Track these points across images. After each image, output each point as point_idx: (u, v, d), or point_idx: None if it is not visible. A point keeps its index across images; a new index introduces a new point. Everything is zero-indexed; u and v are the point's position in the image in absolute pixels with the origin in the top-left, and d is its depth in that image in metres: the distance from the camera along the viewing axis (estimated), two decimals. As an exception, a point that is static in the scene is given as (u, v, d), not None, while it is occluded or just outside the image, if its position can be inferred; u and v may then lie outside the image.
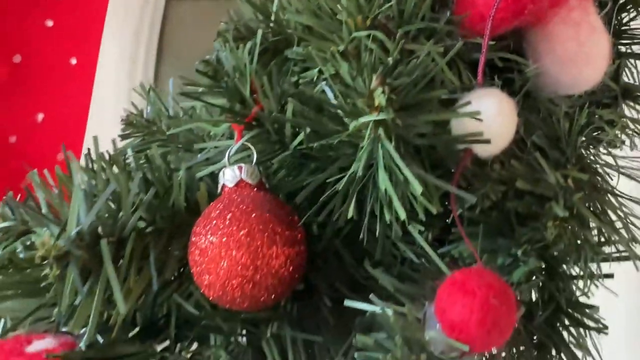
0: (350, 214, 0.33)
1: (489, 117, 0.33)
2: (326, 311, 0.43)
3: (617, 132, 0.47)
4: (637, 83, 0.51)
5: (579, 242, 0.38)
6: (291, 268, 0.36)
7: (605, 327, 0.44)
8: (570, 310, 0.43)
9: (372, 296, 0.36)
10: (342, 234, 0.46)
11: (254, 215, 0.35)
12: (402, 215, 0.31)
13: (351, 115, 0.32)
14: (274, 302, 0.37)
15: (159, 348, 0.42)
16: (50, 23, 0.78)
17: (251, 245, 0.34)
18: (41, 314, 0.41)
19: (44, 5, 0.77)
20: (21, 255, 0.37)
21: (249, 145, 0.40)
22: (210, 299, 0.36)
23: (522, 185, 0.36)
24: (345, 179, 0.33)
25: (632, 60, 0.52)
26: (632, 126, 0.50)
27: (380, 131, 0.31)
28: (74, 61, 0.76)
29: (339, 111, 0.33)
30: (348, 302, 0.37)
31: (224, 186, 0.39)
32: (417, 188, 0.30)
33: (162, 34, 1.00)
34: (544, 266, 0.40)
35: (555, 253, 0.42)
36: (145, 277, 0.37)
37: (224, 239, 0.34)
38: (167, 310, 0.44)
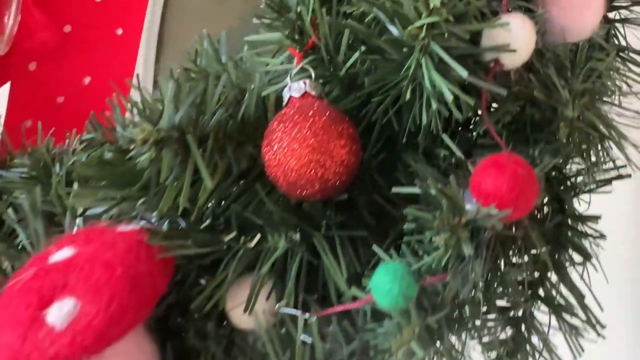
0: (407, 96, 0.40)
1: (515, 30, 0.41)
2: (368, 217, 0.50)
3: (609, 82, 0.56)
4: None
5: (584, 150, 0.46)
6: (352, 160, 0.43)
7: (604, 236, 0.51)
8: (574, 220, 0.51)
9: (417, 180, 0.43)
10: (377, 160, 0.53)
11: (323, 116, 0.42)
12: (449, 97, 0.38)
13: (405, 22, 0.40)
14: (338, 190, 0.44)
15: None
16: (98, -2, 0.85)
17: (324, 136, 0.41)
18: (124, 208, 0.47)
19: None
20: (118, 142, 0.43)
21: (308, 67, 0.48)
22: (285, 186, 0.43)
23: (539, 95, 0.44)
24: (402, 72, 0.40)
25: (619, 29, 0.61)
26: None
27: (432, 34, 0.39)
28: (119, 31, 0.83)
29: (392, 22, 0.41)
30: (395, 189, 0.44)
31: (290, 97, 0.46)
32: (463, 72, 0.37)
33: (162, 26, 1.01)
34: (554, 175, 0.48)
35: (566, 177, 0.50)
36: (225, 163, 0.43)
37: (302, 131, 0.41)
38: (225, 219, 0.50)
